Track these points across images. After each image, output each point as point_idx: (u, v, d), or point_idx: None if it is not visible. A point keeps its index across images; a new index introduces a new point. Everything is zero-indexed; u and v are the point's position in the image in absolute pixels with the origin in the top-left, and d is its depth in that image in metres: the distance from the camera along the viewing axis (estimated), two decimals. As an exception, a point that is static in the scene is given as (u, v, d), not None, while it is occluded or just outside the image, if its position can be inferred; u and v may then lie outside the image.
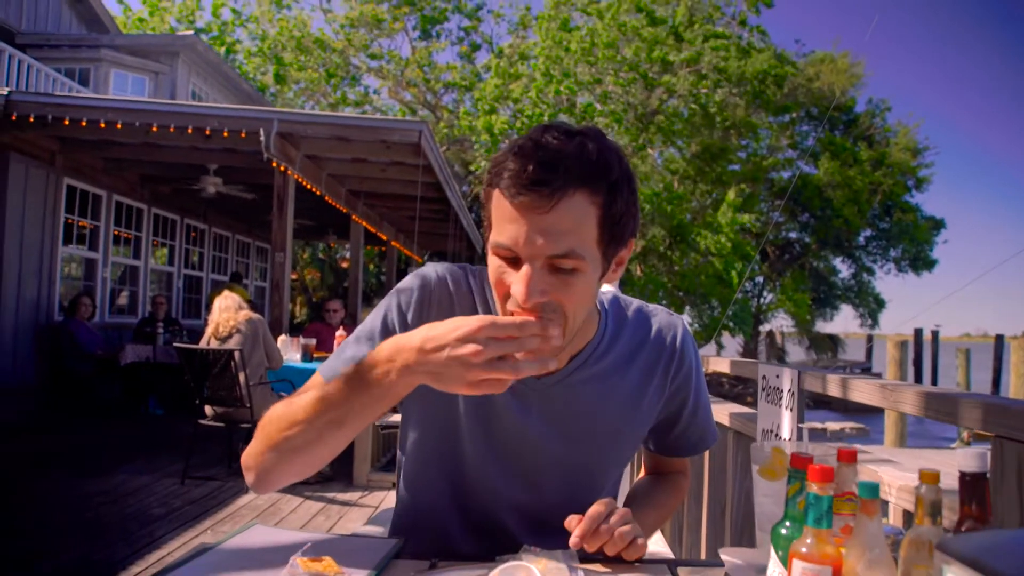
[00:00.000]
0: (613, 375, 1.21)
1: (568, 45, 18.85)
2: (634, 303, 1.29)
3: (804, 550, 0.81)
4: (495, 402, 1.17)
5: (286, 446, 1.07)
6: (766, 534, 1.04)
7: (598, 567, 1.01)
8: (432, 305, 1.19)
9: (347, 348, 1.20)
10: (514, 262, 1.01)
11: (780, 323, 26.09)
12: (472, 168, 19.84)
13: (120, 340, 8.55)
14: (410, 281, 1.21)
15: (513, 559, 0.86)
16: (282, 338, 6.19)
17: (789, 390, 1.69)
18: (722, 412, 2.23)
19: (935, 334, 24.94)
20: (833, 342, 27.44)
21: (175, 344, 5.39)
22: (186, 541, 3.79)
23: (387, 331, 1.18)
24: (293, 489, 4.99)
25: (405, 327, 1.16)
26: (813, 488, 0.81)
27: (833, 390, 1.54)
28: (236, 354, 4.85)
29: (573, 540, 0.99)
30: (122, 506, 4.44)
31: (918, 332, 23.42)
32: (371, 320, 1.21)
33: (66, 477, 5.11)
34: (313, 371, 4.98)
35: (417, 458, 1.27)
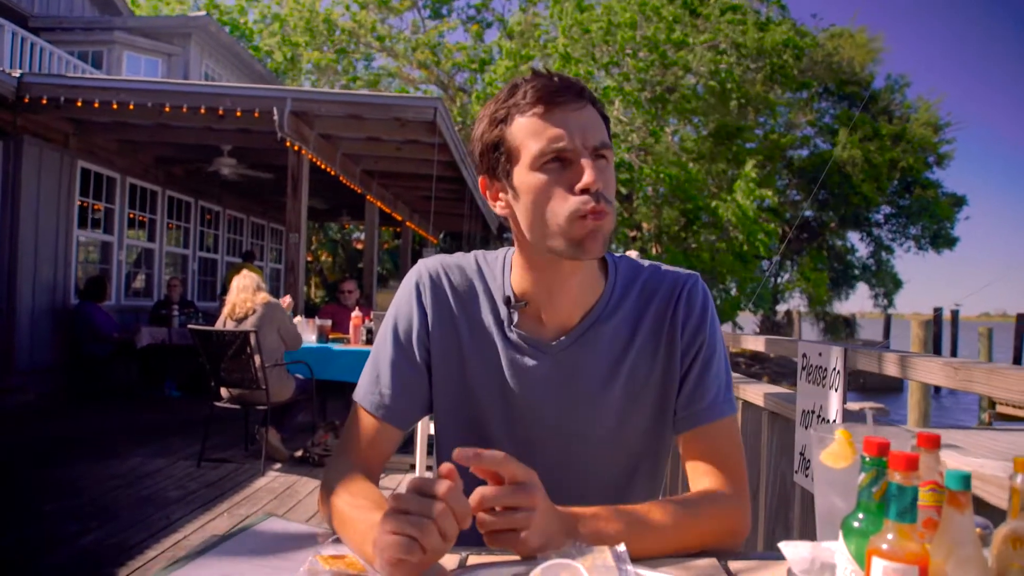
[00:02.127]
0: (626, 328, 1.18)
1: (587, 26, 18.56)
2: (649, 262, 1.26)
3: (885, 547, 0.71)
4: (515, 375, 1.17)
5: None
6: (828, 526, 0.95)
7: (654, 568, 0.92)
8: (441, 294, 1.20)
9: (372, 369, 1.21)
10: (563, 166, 1.06)
11: (796, 303, 25.85)
12: None
13: (136, 323, 8.56)
14: (410, 285, 1.22)
15: (557, 555, 0.78)
16: (297, 319, 6.13)
17: (835, 369, 1.59)
18: (756, 392, 2.13)
19: (955, 314, 24.65)
20: (847, 323, 27.17)
21: (190, 326, 5.35)
22: (202, 524, 3.75)
23: (411, 338, 1.19)
24: (309, 472, 4.96)
25: (426, 327, 1.19)
26: (896, 478, 0.71)
27: (890, 369, 1.45)
28: (251, 336, 4.80)
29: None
30: (138, 489, 4.42)
31: (937, 312, 23.16)
32: (384, 333, 1.22)
33: (83, 460, 5.10)
34: (328, 352, 4.88)
35: (448, 450, 1.21)
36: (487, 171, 1.14)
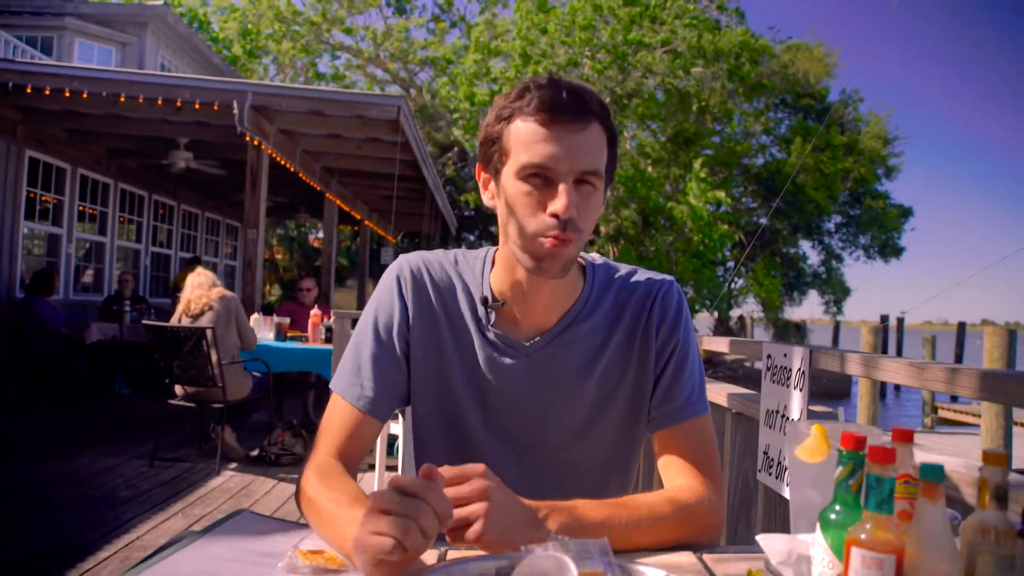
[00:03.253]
0: (602, 330, 1.20)
1: (546, 27, 18.65)
2: (626, 265, 1.29)
3: (863, 537, 0.74)
4: (491, 374, 1.18)
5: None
6: (802, 519, 0.97)
7: (633, 561, 0.93)
8: (422, 289, 1.21)
9: (352, 360, 1.19)
10: (544, 182, 1.07)
11: (750, 308, 26.29)
12: (450, 141, 19.66)
13: (85, 318, 8.32)
14: (391, 278, 1.22)
15: (540, 549, 0.79)
16: (255, 317, 6.04)
17: (799, 369, 1.63)
18: (720, 392, 2.17)
19: (900, 321, 25.37)
20: (798, 329, 27.74)
21: (144, 321, 5.23)
22: (155, 524, 3.67)
23: (392, 330, 1.19)
24: (265, 471, 4.89)
25: (406, 321, 1.19)
26: (874, 470, 0.74)
27: (853, 369, 1.49)
28: (208, 332, 4.71)
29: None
30: (88, 489, 4.30)
31: (884, 318, 23.79)
32: (364, 326, 1.21)
33: (30, 459, 4.95)
34: (287, 351, 4.81)
35: (426, 445, 1.24)
36: (483, 161, 1.17)
